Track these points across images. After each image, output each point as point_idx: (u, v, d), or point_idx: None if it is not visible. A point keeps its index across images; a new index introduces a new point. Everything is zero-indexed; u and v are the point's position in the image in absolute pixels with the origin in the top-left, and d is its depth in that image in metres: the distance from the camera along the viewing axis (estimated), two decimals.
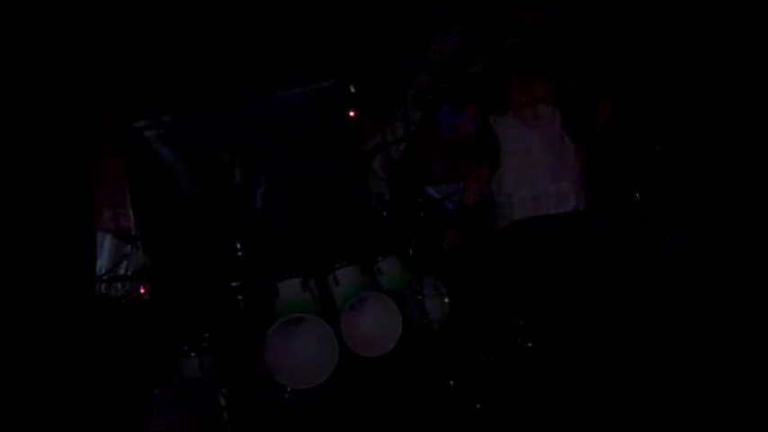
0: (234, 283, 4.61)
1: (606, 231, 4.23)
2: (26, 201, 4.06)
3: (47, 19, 4.15)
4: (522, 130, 3.75)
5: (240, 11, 4.76)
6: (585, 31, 4.78)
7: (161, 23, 4.64)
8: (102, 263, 5.08)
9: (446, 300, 4.73)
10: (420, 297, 4.60)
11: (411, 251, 4.88)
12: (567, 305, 3.64)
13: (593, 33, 4.75)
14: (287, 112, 5.67)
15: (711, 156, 4.33)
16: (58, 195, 4.31)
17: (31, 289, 3.94)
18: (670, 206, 4.45)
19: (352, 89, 5.37)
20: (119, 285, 4.99)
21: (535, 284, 3.73)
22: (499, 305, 4.30)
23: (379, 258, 4.96)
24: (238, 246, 4.65)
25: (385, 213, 5.23)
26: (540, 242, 3.69)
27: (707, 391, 3.35)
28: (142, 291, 4.81)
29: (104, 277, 4.88)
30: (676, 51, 4.44)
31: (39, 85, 4.29)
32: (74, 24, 4.32)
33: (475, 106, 5.47)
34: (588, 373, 3.53)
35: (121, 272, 5.07)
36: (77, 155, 4.63)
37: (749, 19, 4.09)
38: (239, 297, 4.57)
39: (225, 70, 5.23)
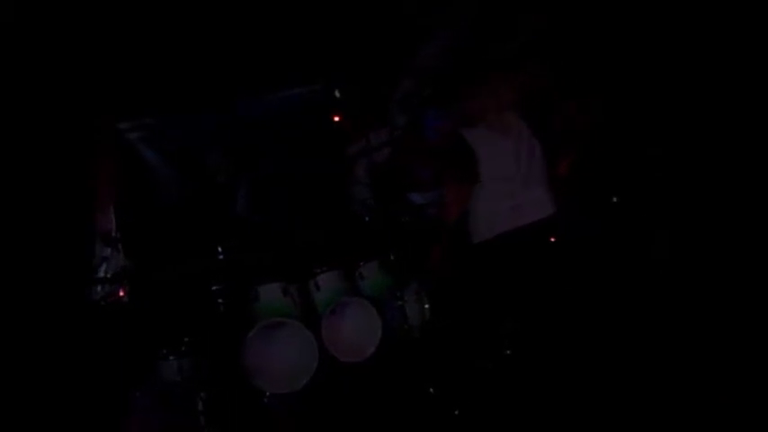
0: (214, 287, 4.59)
1: (601, 234, 4.24)
2: (25, 200, 4.06)
3: (47, 19, 4.15)
4: (496, 140, 3.74)
5: (232, 10, 4.74)
6: (580, 33, 4.77)
7: (150, 23, 4.62)
8: None
9: (426, 306, 4.73)
10: (401, 303, 4.62)
11: (392, 257, 4.90)
12: (560, 310, 3.65)
13: (586, 36, 4.74)
14: (273, 115, 5.66)
15: (704, 156, 4.33)
16: (58, 195, 4.31)
17: (23, 289, 3.94)
18: (664, 206, 4.43)
19: (338, 94, 5.38)
20: (98, 288, 4.95)
21: (526, 291, 3.73)
22: (490, 312, 4.29)
23: (361, 264, 4.96)
24: (219, 249, 4.64)
25: (367, 218, 5.23)
26: (527, 250, 3.69)
27: (707, 391, 3.34)
28: (122, 293, 4.77)
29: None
30: (666, 53, 4.44)
31: (38, 84, 4.28)
32: (72, 24, 4.31)
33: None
34: (587, 375, 3.54)
35: (101, 274, 5.02)
36: (77, 154, 4.62)
37: (740, 24, 4.10)
38: (219, 300, 4.56)
39: (213, 71, 5.21)
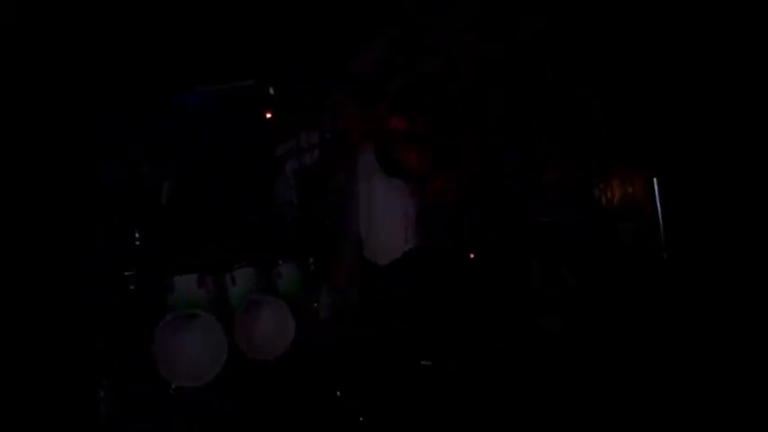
0: (128, 273, 4.50)
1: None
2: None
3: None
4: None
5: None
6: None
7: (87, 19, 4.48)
8: None
9: (342, 309, 4.80)
10: (315, 305, 4.67)
11: (311, 258, 4.95)
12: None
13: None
14: (205, 109, 5.59)
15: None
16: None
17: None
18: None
19: (272, 91, 5.38)
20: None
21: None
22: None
23: (279, 262, 4.98)
24: (136, 235, 4.56)
25: (289, 218, 5.25)
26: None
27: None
28: None
29: None
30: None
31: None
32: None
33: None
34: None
35: None
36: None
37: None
38: (132, 287, 4.47)
39: (148, 64, 5.09)
